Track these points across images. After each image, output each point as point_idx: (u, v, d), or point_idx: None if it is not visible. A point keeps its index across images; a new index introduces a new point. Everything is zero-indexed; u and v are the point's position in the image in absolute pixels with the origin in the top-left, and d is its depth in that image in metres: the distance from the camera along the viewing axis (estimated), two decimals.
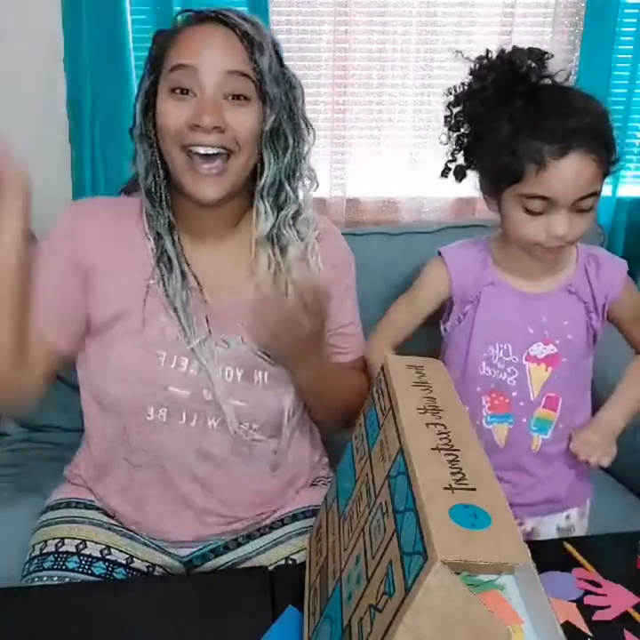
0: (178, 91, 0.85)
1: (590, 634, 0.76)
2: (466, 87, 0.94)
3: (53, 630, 0.77)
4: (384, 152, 1.84)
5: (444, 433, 0.63)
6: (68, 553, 0.95)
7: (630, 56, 1.80)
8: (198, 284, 0.93)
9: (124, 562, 0.97)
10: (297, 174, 0.95)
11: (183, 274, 0.91)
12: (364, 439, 0.75)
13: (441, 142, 0.98)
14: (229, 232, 0.97)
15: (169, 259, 0.91)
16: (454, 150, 0.98)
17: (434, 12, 1.74)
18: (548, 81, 0.92)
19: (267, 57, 0.86)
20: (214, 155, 0.85)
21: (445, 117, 0.97)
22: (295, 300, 0.84)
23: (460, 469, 0.58)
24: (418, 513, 0.53)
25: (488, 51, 0.93)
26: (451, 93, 0.96)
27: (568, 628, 0.76)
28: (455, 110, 0.96)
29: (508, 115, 0.89)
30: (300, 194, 0.97)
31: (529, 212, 0.89)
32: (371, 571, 0.59)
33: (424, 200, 1.83)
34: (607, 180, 1.96)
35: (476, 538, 0.50)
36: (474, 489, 0.55)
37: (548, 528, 1.08)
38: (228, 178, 0.88)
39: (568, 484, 1.07)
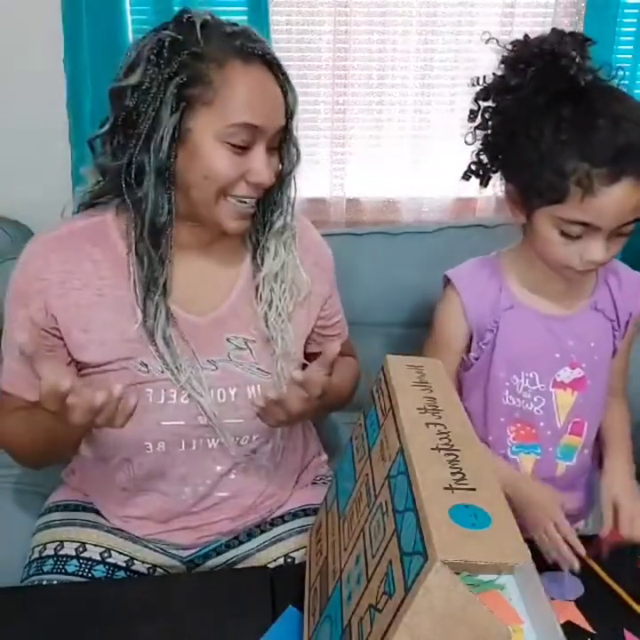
0: (237, 147, 0.82)
1: (593, 631, 0.76)
2: (498, 79, 0.83)
3: (53, 630, 0.77)
4: (384, 152, 1.83)
5: (443, 433, 0.63)
6: (67, 556, 0.95)
7: (630, 56, 1.80)
8: (173, 318, 0.89)
9: (124, 564, 0.97)
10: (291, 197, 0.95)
11: (168, 311, 0.88)
12: (364, 439, 0.75)
13: (467, 142, 0.88)
14: (219, 244, 0.94)
15: (154, 291, 0.86)
16: (479, 151, 0.88)
17: (434, 11, 1.74)
18: (591, 76, 0.81)
19: (295, 99, 0.87)
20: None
21: (471, 112, 0.85)
22: (298, 398, 0.80)
23: (460, 469, 0.58)
24: (418, 513, 0.53)
25: (526, 35, 0.81)
26: (479, 84, 0.84)
27: (569, 627, 0.77)
28: (483, 105, 0.85)
29: (553, 124, 0.78)
30: (291, 211, 0.96)
31: (565, 235, 0.81)
32: (371, 571, 0.59)
33: (424, 200, 1.83)
34: None
35: (477, 538, 0.50)
36: (474, 489, 0.55)
37: None
38: (252, 215, 0.90)
39: (586, 499, 1.04)
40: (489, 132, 0.85)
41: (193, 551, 1.00)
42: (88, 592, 0.86)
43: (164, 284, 0.87)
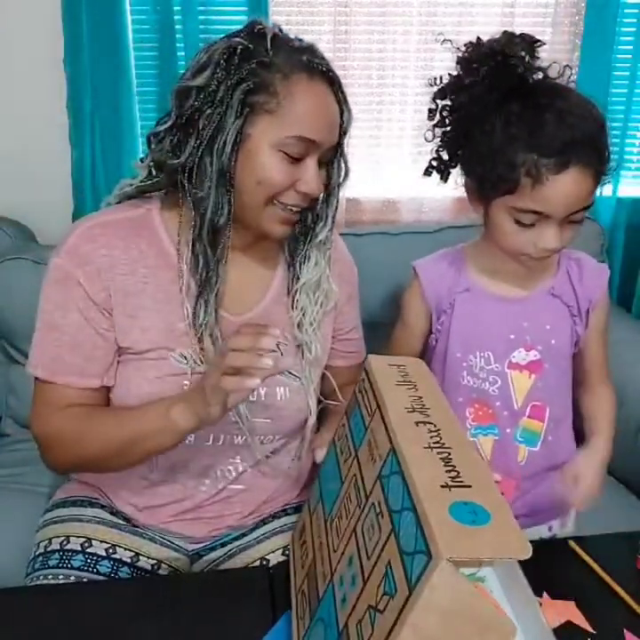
0: (292, 157, 0.84)
1: (593, 631, 0.76)
2: (454, 78, 0.88)
3: (53, 630, 0.77)
4: (384, 152, 1.84)
5: (434, 431, 0.63)
6: (73, 551, 0.95)
7: (630, 56, 1.80)
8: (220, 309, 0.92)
9: (129, 560, 0.97)
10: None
11: (216, 310, 0.90)
12: (348, 440, 0.75)
13: (426, 139, 0.93)
14: (258, 246, 0.98)
15: (210, 294, 0.89)
16: (439, 147, 0.93)
17: (434, 11, 1.74)
18: (540, 75, 0.86)
19: (349, 118, 0.90)
20: None
21: (429, 111, 0.91)
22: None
23: (455, 467, 0.58)
24: (417, 512, 0.53)
25: (479, 38, 0.87)
26: (436, 84, 0.90)
27: (569, 627, 0.77)
28: (441, 103, 0.90)
29: (503, 120, 0.83)
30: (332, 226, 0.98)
31: (519, 223, 0.85)
32: (367, 572, 0.59)
33: (424, 200, 1.82)
34: (607, 179, 1.95)
35: (479, 534, 0.50)
36: (470, 486, 0.55)
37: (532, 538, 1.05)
38: (297, 223, 0.93)
39: (551, 498, 1.02)
40: (447, 129, 0.90)
41: (201, 545, 1.01)
42: (88, 592, 0.86)
43: (217, 284, 0.89)
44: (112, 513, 1.01)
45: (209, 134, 0.83)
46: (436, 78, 0.90)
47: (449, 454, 0.60)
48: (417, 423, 0.64)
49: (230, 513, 1.00)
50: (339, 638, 0.60)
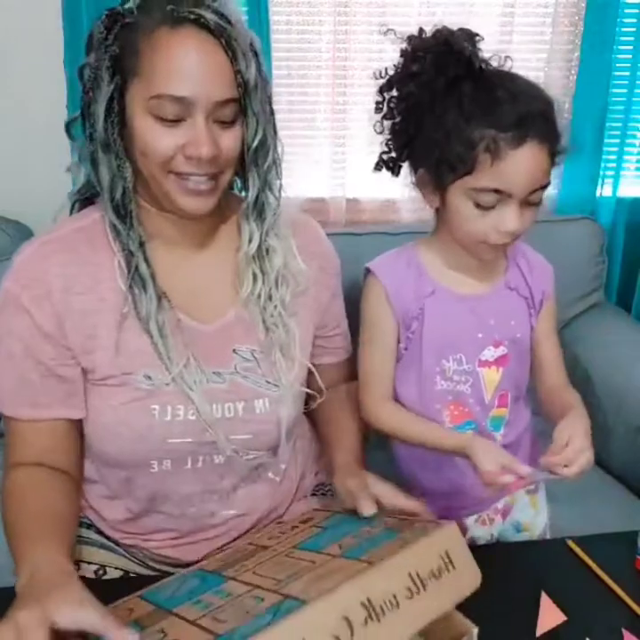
0: (165, 120, 0.77)
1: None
2: (400, 68, 0.86)
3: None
4: None
5: None
6: None
7: (630, 56, 1.80)
8: (172, 307, 0.85)
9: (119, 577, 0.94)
10: (275, 180, 0.89)
11: (159, 297, 0.84)
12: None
13: (376, 131, 0.90)
14: (209, 240, 0.92)
15: (142, 278, 0.83)
16: (388, 140, 0.90)
17: (434, 12, 1.74)
18: (484, 65, 0.85)
19: (252, 68, 0.78)
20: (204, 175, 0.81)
21: (377, 103, 0.88)
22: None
23: None
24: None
25: (421, 29, 0.86)
26: (382, 77, 0.87)
27: (567, 626, 0.77)
28: (388, 96, 0.88)
29: (456, 101, 0.82)
30: (278, 197, 0.90)
31: (479, 206, 0.83)
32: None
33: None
34: (607, 179, 1.95)
35: None
36: None
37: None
38: (216, 193, 0.84)
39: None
40: (396, 120, 0.88)
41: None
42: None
43: (148, 266, 0.83)
44: (99, 532, 0.97)
45: (93, 111, 0.78)
46: (380, 71, 0.87)
47: None
48: None
49: (227, 540, 0.95)
50: None
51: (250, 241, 0.89)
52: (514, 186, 0.81)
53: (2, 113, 1.69)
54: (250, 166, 0.85)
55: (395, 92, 0.87)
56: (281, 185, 0.90)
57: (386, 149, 0.91)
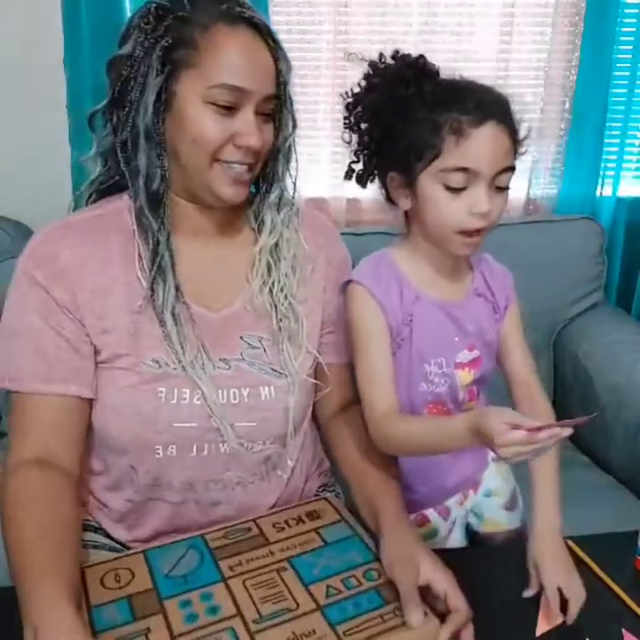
0: (222, 108, 0.81)
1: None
2: (364, 82, 0.92)
3: None
4: None
5: None
6: None
7: (630, 56, 1.80)
8: (185, 303, 0.87)
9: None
10: (291, 171, 0.94)
11: (177, 287, 0.86)
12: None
13: (344, 141, 0.93)
14: (227, 231, 0.94)
15: (163, 268, 0.85)
16: (357, 150, 0.94)
17: (434, 12, 1.74)
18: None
19: (288, 70, 0.87)
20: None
21: (344, 119, 0.93)
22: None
23: None
24: None
25: (382, 54, 0.92)
26: (348, 96, 0.93)
27: (566, 627, 0.77)
28: (354, 111, 0.93)
29: (419, 97, 0.87)
30: (295, 190, 0.96)
31: (450, 189, 0.86)
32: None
33: None
34: (607, 179, 1.95)
35: None
36: None
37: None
38: (250, 184, 0.90)
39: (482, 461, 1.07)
40: (364, 127, 0.93)
41: None
42: None
43: (171, 257, 0.86)
44: (93, 529, 0.96)
45: (135, 100, 0.81)
46: (347, 92, 0.93)
47: None
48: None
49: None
50: None
51: (270, 232, 0.92)
52: (479, 164, 0.85)
53: (2, 113, 1.70)
54: (281, 160, 0.91)
55: (360, 109, 0.92)
56: (296, 179, 0.95)
57: (355, 159, 0.96)
